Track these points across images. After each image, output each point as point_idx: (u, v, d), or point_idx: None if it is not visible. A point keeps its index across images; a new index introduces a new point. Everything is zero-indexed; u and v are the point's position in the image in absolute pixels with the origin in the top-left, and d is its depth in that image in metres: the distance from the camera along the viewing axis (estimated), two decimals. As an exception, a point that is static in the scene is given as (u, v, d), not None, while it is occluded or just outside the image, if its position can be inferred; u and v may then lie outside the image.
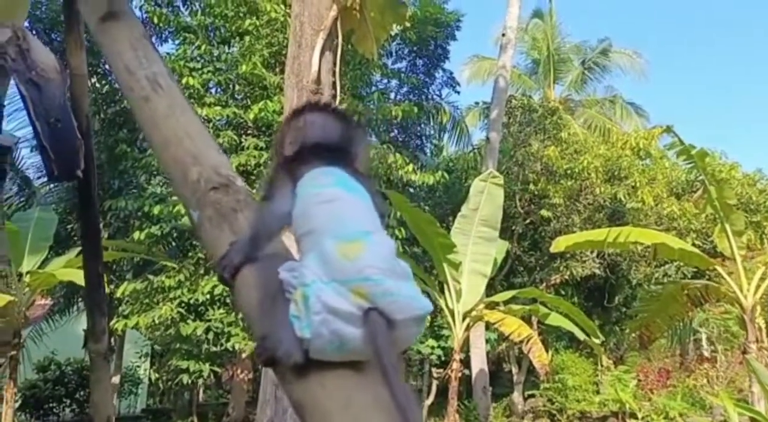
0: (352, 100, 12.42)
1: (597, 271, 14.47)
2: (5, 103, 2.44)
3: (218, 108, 11.77)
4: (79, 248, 9.74)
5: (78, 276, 8.53)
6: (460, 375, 10.33)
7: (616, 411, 13.98)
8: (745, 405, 8.06)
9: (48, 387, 13.73)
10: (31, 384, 13.54)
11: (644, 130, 17.38)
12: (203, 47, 12.37)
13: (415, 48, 15.23)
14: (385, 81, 15.51)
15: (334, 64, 8.11)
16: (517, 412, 15.24)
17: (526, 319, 11.38)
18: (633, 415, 13.23)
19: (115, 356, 13.80)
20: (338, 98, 8.52)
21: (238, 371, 13.05)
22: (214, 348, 11.26)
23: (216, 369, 12.19)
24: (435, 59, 15.48)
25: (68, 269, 9.25)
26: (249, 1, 12.36)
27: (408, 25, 12.67)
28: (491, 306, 10.61)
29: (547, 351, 11.80)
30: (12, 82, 2.26)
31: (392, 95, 15.51)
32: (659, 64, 68.60)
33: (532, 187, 15.01)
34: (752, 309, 9.56)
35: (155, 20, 12.43)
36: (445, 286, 10.32)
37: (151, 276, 11.26)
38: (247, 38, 12.25)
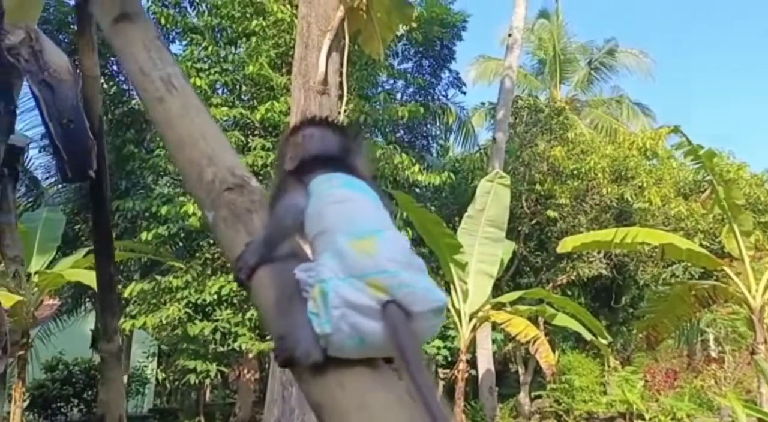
0: (358, 100, 12.43)
1: (604, 272, 14.43)
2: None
3: (225, 108, 11.81)
4: (87, 248, 9.83)
5: (85, 277, 8.60)
6: (466, 375, 10.34)
7: (624, 412, 13.92)
8: (754, 406, 8.02)
9: (56, 386, 13.79)
10: (39, 384, 13.60)
11: (651, 130, 17.35)
12: (210, 48, 12.41)
13: (421, 48, 15.23)
14: (392, 81, 15.54)
15: (341, 64, 8.13)
16: (524, 413, 15.21)
17: (533, 320, 11.35)
18: (640, 416, 13.17)
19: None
20: (345, 99, 8.54)
21: (245, 371, 13.09)
22: (221, 349, 11.29)
23: (223, 369, 12.23)
24: (441, 60, 15.48)
25: (76, 269, 9.31)
26: (256, 2, 12.39)
27: (414, 25, 12.67)
28: (498, 306, 10.60)
29: (553, 352, 11.77)
30: (22, 84, 2.27)
31: (398, 96, 15.54)
32: (666, 64, 68.33)
33: (538, 187, 14.98)
34: (761, 309, 9.52)
35: (162, 21, 12.47)
36: (452, 287, 10.31)
37: (158, 277, 11.30)
38: (253, 39, 12.28)
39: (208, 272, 11.39)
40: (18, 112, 2.11)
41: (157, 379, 16.70)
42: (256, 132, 12.33)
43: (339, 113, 8.11)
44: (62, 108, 2.02)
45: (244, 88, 12.87)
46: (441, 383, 15.40)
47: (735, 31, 79.00)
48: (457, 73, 16.25)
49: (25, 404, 11.28)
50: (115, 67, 13.43)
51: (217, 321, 10.97)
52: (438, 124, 16.97)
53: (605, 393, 14.88)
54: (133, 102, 12.66)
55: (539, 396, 15.92)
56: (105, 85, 13.79)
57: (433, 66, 15.60)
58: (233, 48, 13.17)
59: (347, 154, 1.20)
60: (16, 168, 2.12)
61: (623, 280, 15.57)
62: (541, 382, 15.51)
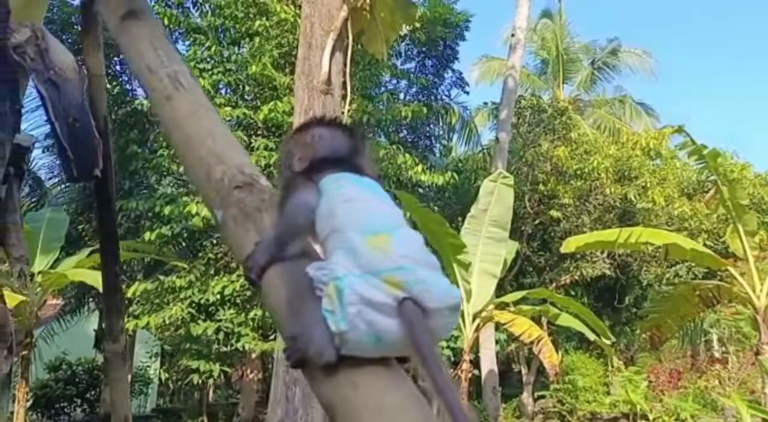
0: (361, 100, 12.42)
1: (607, 272, 14.41)
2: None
3: (228, 109, 11.80)
4: (90, 248, 9.83)
5: (89, 277, 8.59)
6: (469, 375, 10.31)
7: (627, 412, 13.90)
8: (758, 407, 8.00)
9: (59, 386, 13.80)
10: (43, 384, 13.62)
11: (654, 130, 17.30)
12: (213, 48, 12.41)
13: (424, 48, 15.22)
14: (395, 81, 15.53)
15: (345, 64, 8.12)
16: (527, 413, 15.19)
17: (536, 320, 11.34)
18: (644, 416, 13.14)
19: (125, 356, 13.84)
20: (348, 99, 8.53)
21: (248, 371, 13.09)
22: (224, 348, 11.30)
23: (226, 369, 12.23)
24: (444, 60, 15.47)
25: (79, 269, 9.31)
26: (259, 2, 12.38)
27: (417, 25, 12.67)
28: (501, 306, 10.57)
29: (557, 352, 11.74)
30: (27, 83, 2.27)
31: (401, 96, 15.52)
32: (669, 64, 68.21)
33: (541, 187, 14.96)
34: (765, 309, 9.47)
35: (166, 21, 12.46)
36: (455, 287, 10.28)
37: (161, 277, 11.32)
38: (257, 39, 12.28)
39: (211, 272, 11.40)
40: (23, 111, 2.10)
41: (160, 379, 16.68)
42: (259, 132, 12.33)
43: (342, 113, 8.10)
44: (68, 107, 2.01)
45: (247, 88, 12.87)
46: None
47: (739, 31, 78.93)
48: (460, 73, 16.26)
49: (29, 404, 11.28)
50: (118, 67, 13.45)
51: (220, 321, 10.98)
52: (441, 124, 16.95)
53: (608, 393, 14.86)
54: (137, 102, 12.66)
55: (542, 397, 15.91)
56: (108, 85, 13.82)
57: (436, 66, 15.59)
58: (236, 48, 13.18)
59: (355, 154, 1.20)
60: (22, 167, 2.11)
61: (627, 280, 15.55)
62: (545, 382, 15.48)
